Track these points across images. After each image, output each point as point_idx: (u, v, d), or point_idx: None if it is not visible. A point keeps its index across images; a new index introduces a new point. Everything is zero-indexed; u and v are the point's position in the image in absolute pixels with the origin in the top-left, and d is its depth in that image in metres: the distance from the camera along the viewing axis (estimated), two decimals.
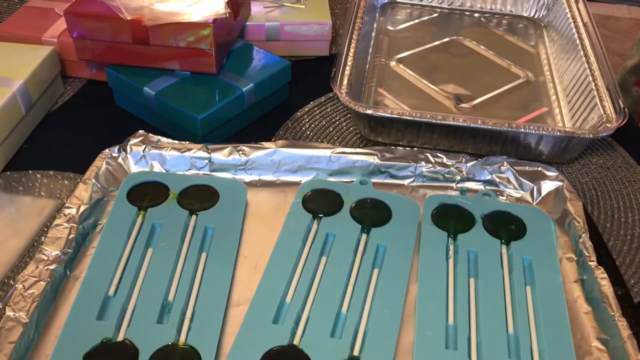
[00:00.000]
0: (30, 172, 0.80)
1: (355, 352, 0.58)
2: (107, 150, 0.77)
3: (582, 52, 0.96)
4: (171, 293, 0.62)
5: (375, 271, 0.66)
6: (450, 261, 0.67)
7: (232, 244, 0.68)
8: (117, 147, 0.77)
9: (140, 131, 0.79)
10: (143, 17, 0.82)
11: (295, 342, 0.58)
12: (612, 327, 0.60)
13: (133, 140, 0.78)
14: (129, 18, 0.82)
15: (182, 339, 0.58)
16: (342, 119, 0.92)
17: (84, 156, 0.76)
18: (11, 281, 0.67)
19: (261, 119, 0.91)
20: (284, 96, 0.94)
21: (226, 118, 0.84)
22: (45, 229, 0.71)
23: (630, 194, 0.82)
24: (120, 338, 0.58)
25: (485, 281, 0.65)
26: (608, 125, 0.81)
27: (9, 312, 0.58)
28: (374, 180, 0.77)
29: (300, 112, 0.93)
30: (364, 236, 0.69)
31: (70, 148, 0.84)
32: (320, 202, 0.73)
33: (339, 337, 0.59)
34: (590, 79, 0.90)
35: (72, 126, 0.89)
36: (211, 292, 0.63)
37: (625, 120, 0.81)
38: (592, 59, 0.94)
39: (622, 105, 0.83)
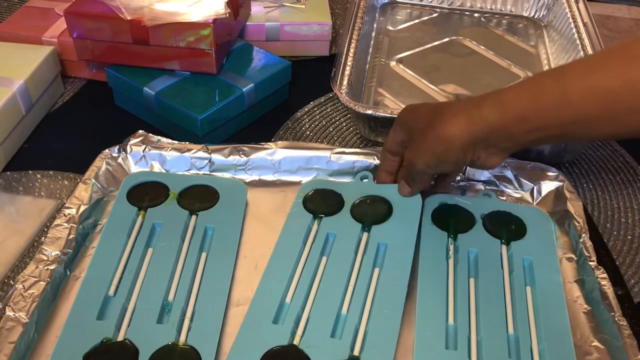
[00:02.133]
0: (30, 172, 0.80)
1: (356, 352, 0.58)
2: (107, 150, 0.77)
3: (582, 52, 0.96)
4: (171, 293, 0.62)
5: (376, 270, 0.65)
6: (450, 261, 0.67)
7: (232, 244, 0.68)
8: (117, 147, 0.77)
9: (140, 131, 0.79)
10: (143, 17, 0.82)
11: (296, 342, 0.58)
12: (612, 327, 0.60)
13: (133, 140, 0.78)
14: (129, 18, 0.82)
15: (182, 338, 0.58)
16: (342, 119, 0.92)
17: (84, 156, 0.76)
18: (11, 281, 0.67)
19: (261, 119, 0.91)
20: (284, 96, 0.94)
21: (226, 118, 0.84)
22: (45, 229, 0.71)
23: (630, 194, 0.82)
24: (120, 338, 0.58)
25: (485, 281, 0.65)
26: None
27: (9, 312, 0.58)
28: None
29: (300, 112, 0.93)
30: (364, 235, 0.69)
31: (70, 148, 0.84)
32: (321, 202, 0.72)
33: (339, 337, 0.59)
34: None
35: (72, 126, 0.89)
36: (211, 292, 0.63)
37: None
38: None
39: None
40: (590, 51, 0.95)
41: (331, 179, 0.78)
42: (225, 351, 0.58)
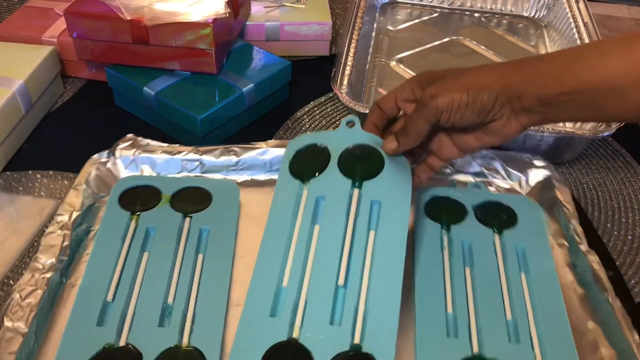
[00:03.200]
0: (30, 172, 0.80)
1: (357, 339, 0.55)
2: (95, 155, 0.76)
3: None
4: (170, 296, 0.61)
5: (372, 234, 0.62)
6: (445, 252, 0.67)
7: (228, 245, 0.67)
8: (106, 152, 0.76)
9: (129, 135, 0.78)
10: (143, 17, 0.82)
11: (295, 335, 0.56)
12: (606, 308, 0.61)
13: (122, 145, 0.77)
14: (128, 18, 0.82)
15: (185, 341, 0.58)
16: (342, 119, 0.91)
17: (84, 156, 0.76)
18: (11, 281, 0.67)
19: (261, 119, 0.91)
20: (284, 96, 0.94)
21: (226, 118, 0.84)
22: (45, 229, 0.71)
23: (630, 194, 0.82)
24: (122, 343, 0.57)
25: (480, 270, 0.65)
26: (608, 126, 0.81)
27: (7, 323, 0.57)
28: None
29: (300, 112, 0.93)
30: (355, 192, 0.65)
31: (70, 148, 0.84)
32: (307, 162, 0.68)
33: (338, 323, 0.57)
34: None
35: (72, 126, 0.89)
36: (211, 293, 0.62)
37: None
38: None
39: None
40: None
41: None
42: (227, 351, 0.58)
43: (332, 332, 0.56)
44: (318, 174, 0.67)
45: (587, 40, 0.97)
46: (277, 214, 0.65)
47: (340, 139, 0.70)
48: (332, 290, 0.59)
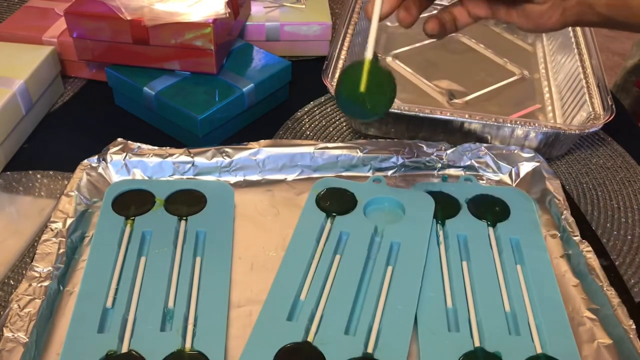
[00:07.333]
0: (30, 172, 0.80)
1: (370, 349, 0.57)
2: (85, 160, 0.75)
3: (576, 50, 0.97)
4: (170, 300, 0.61)
5: (389, 269, 0.65)
6: (442, 247, 0.68)
7: (226, 246, 0.67)
8: (97, 157, 0.76)
9: (120, 139, 0.78)
10: (143, 17, 0.82)
11: (310, 339, 0.58)
12: (601, 297, 0.62)
13: (112, 149, 0.77)
14: (129, 18, 0.82)
15: (188, 345, 0.57)
16: (342, 119, 0.92)
17: (84, 156, 0.76)
18: (11, 281, 0.67)
19: (261, 119, 0.91)
20: (284, 96, 0.94)
21: (226, 118, 0.84)
22: (38, 239, 0.69)
23: (630, 194, 0.82)
24: (124, 350, 0.57)
25: (477, 263, 0.66)
26: (595, 122, 0.82)
27: (7, 334, 0.56)
28: (358, 174, 0.78)
29: (300, 112, 0.93)
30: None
31: (70, 148, 0.84)
32: (334, 201, 0.73)
33: (353, 334, 0.59)
34: (582, 76, 0.91)
35: (72, 126, 0.89)
36: (211, 295, 0.62)
37: (611, 117, 0.82)
38: (586, 56, 0.94)
39: (610, 103, 0.84)
40: (584, 51, 0.96)
41: (315, 175, 0.78)
42: (231, 353, 0.58)
43: (345, 340, 0.58)
44: (344, 214, 0.71)
45: (581, 39, 0.98)
46: (300, 237, 0.68)
47: (367, 190, 0.74)
48: (349, 309, 0.61)
